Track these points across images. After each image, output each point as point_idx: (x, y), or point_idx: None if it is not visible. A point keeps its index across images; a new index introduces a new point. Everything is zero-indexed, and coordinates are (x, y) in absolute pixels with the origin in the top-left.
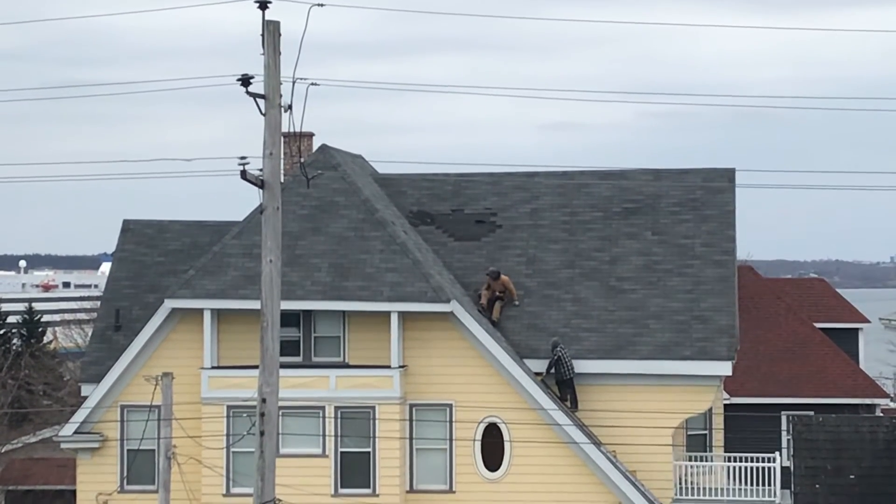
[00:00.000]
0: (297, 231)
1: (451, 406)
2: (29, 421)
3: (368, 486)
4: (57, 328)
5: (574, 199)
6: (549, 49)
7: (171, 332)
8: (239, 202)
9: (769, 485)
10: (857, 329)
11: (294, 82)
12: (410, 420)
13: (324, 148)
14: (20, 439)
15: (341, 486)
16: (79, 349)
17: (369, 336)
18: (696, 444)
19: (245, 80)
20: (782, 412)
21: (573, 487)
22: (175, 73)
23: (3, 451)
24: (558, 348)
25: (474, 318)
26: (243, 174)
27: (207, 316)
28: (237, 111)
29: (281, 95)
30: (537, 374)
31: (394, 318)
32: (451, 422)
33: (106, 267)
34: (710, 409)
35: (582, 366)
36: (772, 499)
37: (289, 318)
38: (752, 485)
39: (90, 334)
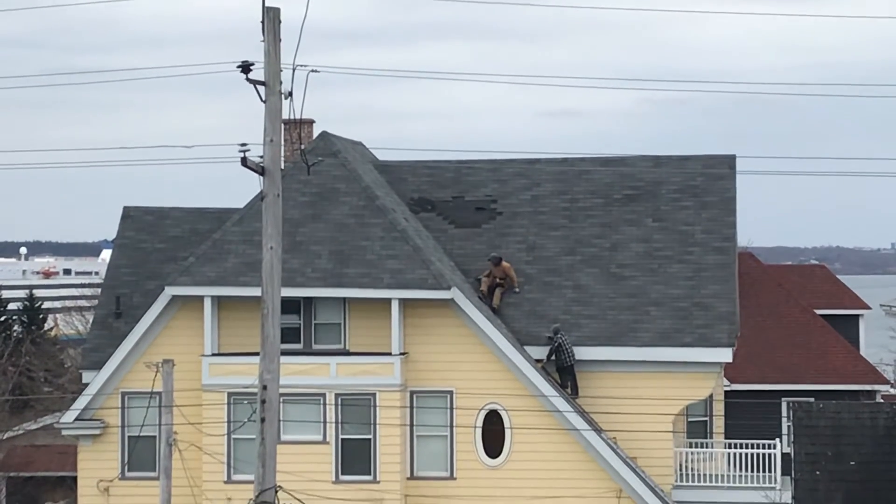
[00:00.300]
0: (298, 218)
1: (451, 393)
2: (30, 408)
3: (369, 473)
4: (58, 315)
5: (574, 185)
6: (550, 35)
7: (172, 319)
8: (239, 189)
9: (769, 471)
10: (857, 315)
11: (294, 69)
12: (411, 407)
13: (324, 135)
14: (21, 426)
15: (342, 473)
16: (79, 336)
17: (370, 323)
18: (697, 430)
19: (245, 67)
20: (783, 399)
21: (574, 474)
22: (176, 60)
23: (4, 437)
24: (559, 335)
25: (475, 305)
26: (244, 161)
27: (208, 303)
28: (238, 98)
29: (281, 82)
30: (538, 360)
31: (394, 305)
32: (451, 409)
33: (106, 254)
34: (711, 396)
35: (582, 352)
36: (772, 485)
37: (289, 305)
38: (752, 471)
39: (91, 321)
